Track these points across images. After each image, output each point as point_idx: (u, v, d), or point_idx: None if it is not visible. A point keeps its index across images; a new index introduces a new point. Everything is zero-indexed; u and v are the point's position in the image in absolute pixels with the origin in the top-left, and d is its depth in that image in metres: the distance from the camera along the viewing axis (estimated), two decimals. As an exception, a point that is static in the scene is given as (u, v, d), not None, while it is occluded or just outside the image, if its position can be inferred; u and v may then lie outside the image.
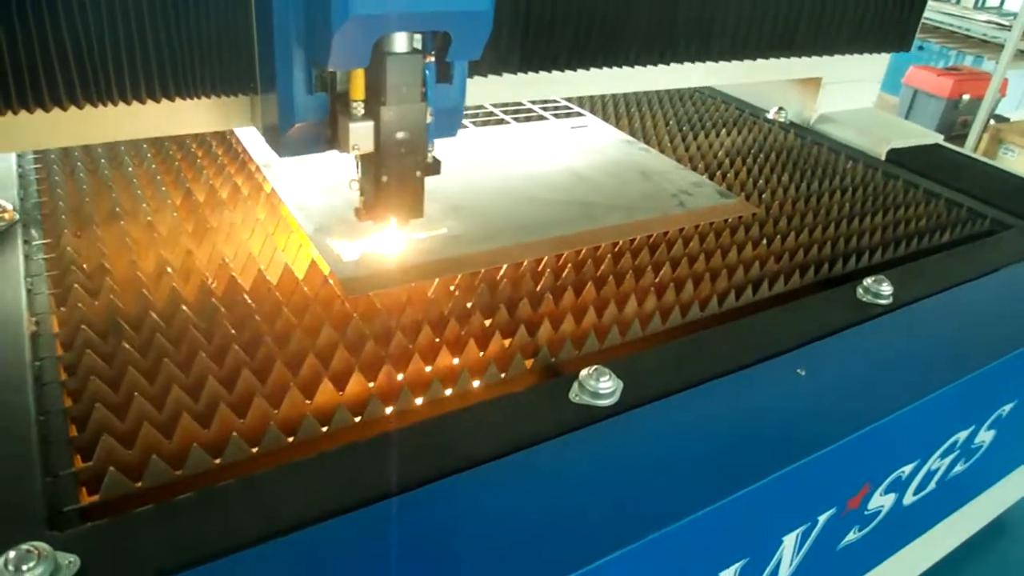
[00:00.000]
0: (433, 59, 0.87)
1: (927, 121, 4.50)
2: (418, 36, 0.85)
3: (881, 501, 1.02)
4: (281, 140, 0.90)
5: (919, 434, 0.99)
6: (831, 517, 0.93)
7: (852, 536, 1.02)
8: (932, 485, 1.13)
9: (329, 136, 0.91)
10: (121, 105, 0.91)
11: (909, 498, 1.09)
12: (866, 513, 1.01)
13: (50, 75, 0.85)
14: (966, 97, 4.61)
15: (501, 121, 1.62)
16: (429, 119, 0.90)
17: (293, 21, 0.82)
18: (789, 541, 0.89)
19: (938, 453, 1.08)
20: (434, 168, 0.95)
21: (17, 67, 0.83)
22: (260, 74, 0.94)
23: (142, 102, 0.92)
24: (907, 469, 1.02)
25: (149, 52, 0.89)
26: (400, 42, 0.83)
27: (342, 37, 0.77)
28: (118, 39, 0.87)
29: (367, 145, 0.88)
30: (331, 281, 0.98)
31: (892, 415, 0.87)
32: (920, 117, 4.59)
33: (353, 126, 0.86)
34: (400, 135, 0.88)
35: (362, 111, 0.87)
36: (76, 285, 0.91)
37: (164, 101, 0.93)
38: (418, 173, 0.93)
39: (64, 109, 0.88)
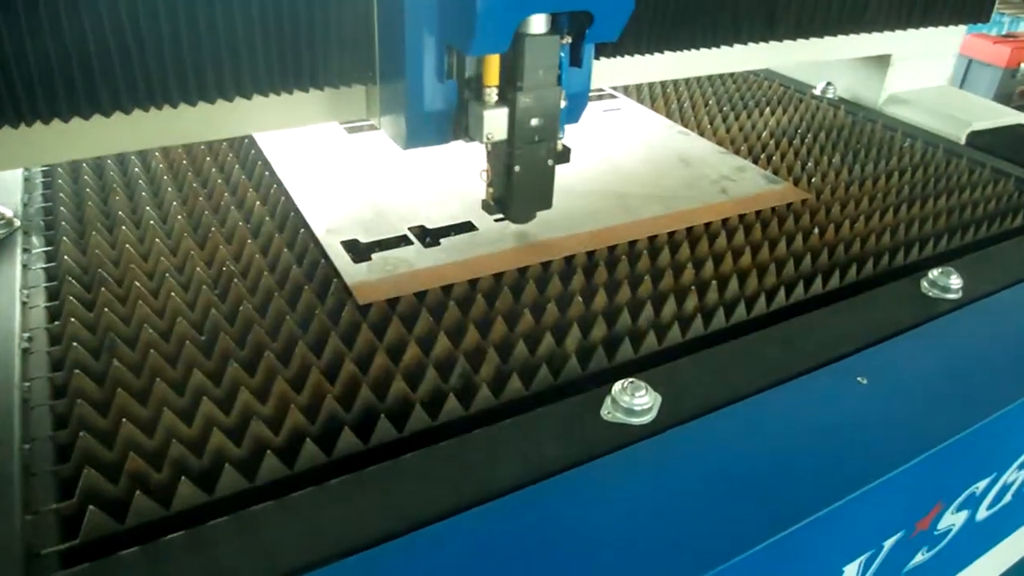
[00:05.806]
0: (569, 41, 0.84)
1: (982, 93, 4.26)
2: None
3: (952, 520, 0.92)
4: (406, 131, 0.87)
5: (996, 447, 0.89)
6: (898, 541, 0.83)
7: (920, 558, 0.92)
8: (1008, 498, 1.02)
9: (456, 126, 0.88)
10: (238, 101, 0.88)
11: (982, 513, 0.98)
12: (936, 533, 0.91)
13: (161, 75, 0.83)
14: (1024, 66, 4.36)
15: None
16: (563, 104, 0.87)
17: (424, 4, 0.79)
18: (850, 571, 0.80)
19: (1016, 465, 0.97)
20: (564, 156, 0.92)
21: (107, 65, 0.80)
22: (382, 62, 0.90)
23: (264, 95, 0.89)
24: (981, 485, 0.92)
25: (271, 43, 0.86)
26: (538, 23, 0.80)
27: (486, 19, 0.74)
28: (234, 30, 0.84)
29: (501, 133, 0.85)
30: (341, 287, 0.91)
31: (968, 429, 0.77)
32: (974, 89, 4.35)
33: (487, 113, 0.83)
34: (535, 122, 0.85)
35: (495, 97, 0.83)
36: (71, 297, 0.85)
37: (271, 96, 0.90)
38: (550, 162, 0.90)
39: (174, 107, 0.86)
